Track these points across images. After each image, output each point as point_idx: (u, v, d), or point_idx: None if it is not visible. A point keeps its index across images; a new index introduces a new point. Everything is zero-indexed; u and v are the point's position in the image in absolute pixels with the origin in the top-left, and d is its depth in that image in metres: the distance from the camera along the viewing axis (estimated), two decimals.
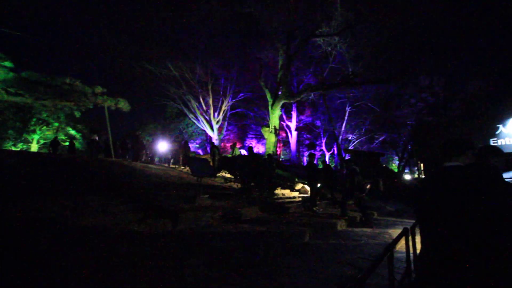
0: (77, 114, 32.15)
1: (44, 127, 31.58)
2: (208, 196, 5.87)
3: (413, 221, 9.32)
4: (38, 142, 31.79)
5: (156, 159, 17.16)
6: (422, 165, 6.11)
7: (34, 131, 31.34)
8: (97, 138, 12.99)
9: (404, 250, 3.05)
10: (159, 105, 24.46)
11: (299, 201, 9.21)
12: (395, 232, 6.80)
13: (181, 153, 13.93)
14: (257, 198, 6.24)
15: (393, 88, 22.71)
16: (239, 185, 8.14)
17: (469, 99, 20.75)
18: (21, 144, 29.68)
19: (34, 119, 30.33)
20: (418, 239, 2.98)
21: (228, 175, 10.85)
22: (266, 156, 9.81)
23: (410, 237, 2.71)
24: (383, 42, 15.76)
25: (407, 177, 21.90)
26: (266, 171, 7.26)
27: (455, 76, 20.89)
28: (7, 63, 11.13)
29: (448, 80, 22.26)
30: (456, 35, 16.77)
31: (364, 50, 16.08)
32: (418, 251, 2.87)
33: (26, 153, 14.04)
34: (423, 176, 6.16)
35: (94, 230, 3.80)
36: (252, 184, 7.02)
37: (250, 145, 10.33)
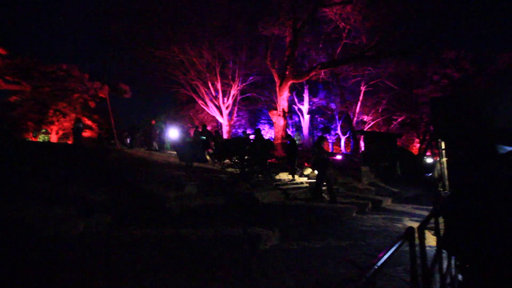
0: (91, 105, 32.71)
1: (62, 118, 32.50)
2: (196, 183, 5.37)
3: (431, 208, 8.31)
4: (57, 132, 32.96)
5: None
6: (443, 143, 5.19)
7: (52, 123, 32.36)
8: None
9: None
10: (170, 93, 24.21)
11: (306, 187, 8.65)
12: (411, 223, 6.03)
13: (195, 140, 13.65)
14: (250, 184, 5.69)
15: (415, 65, 20.90)
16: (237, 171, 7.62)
17: (499, 74, 18.72)
18: (43, 135, 30.80)
19: (52, 111, 31.24)
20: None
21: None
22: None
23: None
24: (402, 12, 14.19)
25: (429, 160, 20.46)
26: (257, 154, 6.63)
27: (484, 50, 18.95)
28: None
29: (476, 54, 20.09)
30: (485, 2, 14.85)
31: (381, 21, 14.58)
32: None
33: (37, 143, 14.32)
34: (445, 157, 5.28)
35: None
36: (250, 169, 6.44)
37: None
